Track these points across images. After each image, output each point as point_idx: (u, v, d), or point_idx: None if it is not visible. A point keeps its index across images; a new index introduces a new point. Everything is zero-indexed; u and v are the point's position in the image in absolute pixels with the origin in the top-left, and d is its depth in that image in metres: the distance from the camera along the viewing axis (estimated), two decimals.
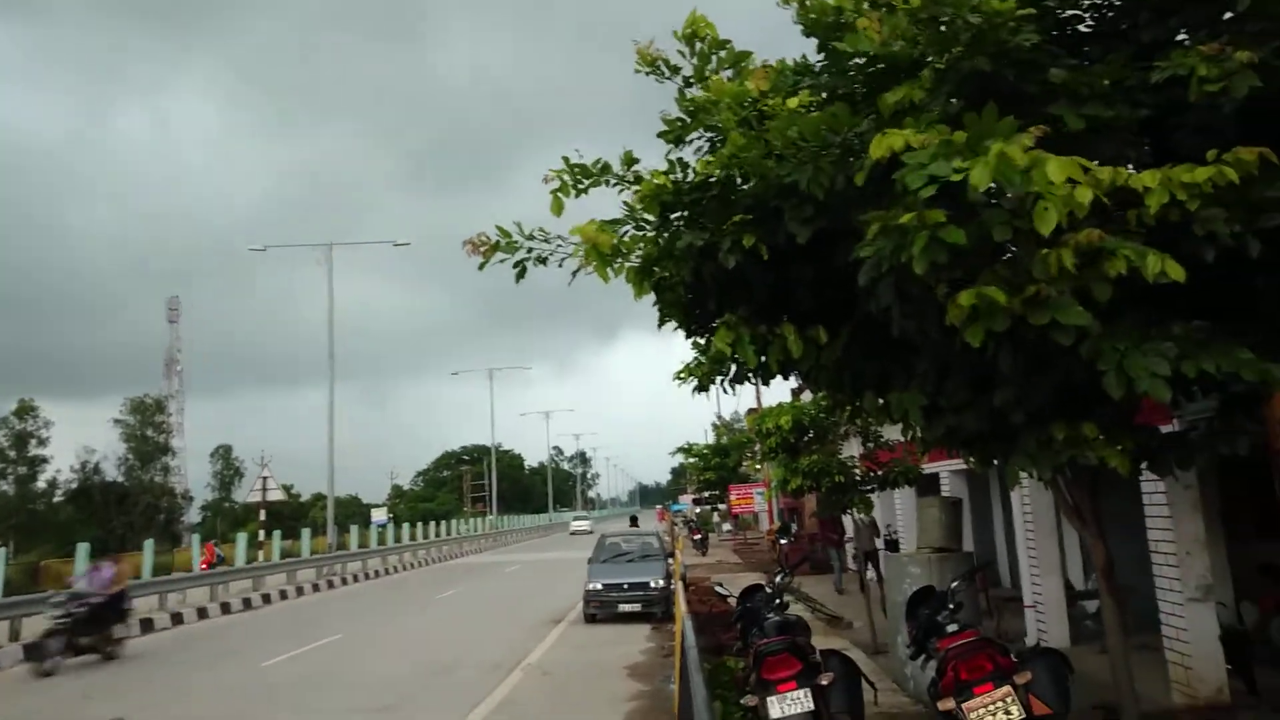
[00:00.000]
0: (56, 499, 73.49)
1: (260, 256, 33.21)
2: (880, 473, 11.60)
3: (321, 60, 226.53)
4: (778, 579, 7.44)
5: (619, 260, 5.32)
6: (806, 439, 11.44)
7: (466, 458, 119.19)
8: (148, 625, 17.97)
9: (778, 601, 6.95)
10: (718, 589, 9.04)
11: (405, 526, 43.36)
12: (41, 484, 72.04)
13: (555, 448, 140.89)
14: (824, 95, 4.89)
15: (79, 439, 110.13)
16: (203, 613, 20.06)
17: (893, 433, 11.23)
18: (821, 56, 5.06)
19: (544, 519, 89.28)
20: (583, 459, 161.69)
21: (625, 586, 15.30)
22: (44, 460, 71.85)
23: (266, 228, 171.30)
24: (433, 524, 47.68)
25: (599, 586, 15.35)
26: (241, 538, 26.11)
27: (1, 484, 70.37)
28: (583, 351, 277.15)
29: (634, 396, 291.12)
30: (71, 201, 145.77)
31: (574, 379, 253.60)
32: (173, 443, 74.75)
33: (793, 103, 4.65)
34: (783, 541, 23.93)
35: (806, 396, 17.72)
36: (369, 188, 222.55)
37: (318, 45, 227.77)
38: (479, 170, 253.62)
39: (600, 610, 15.29)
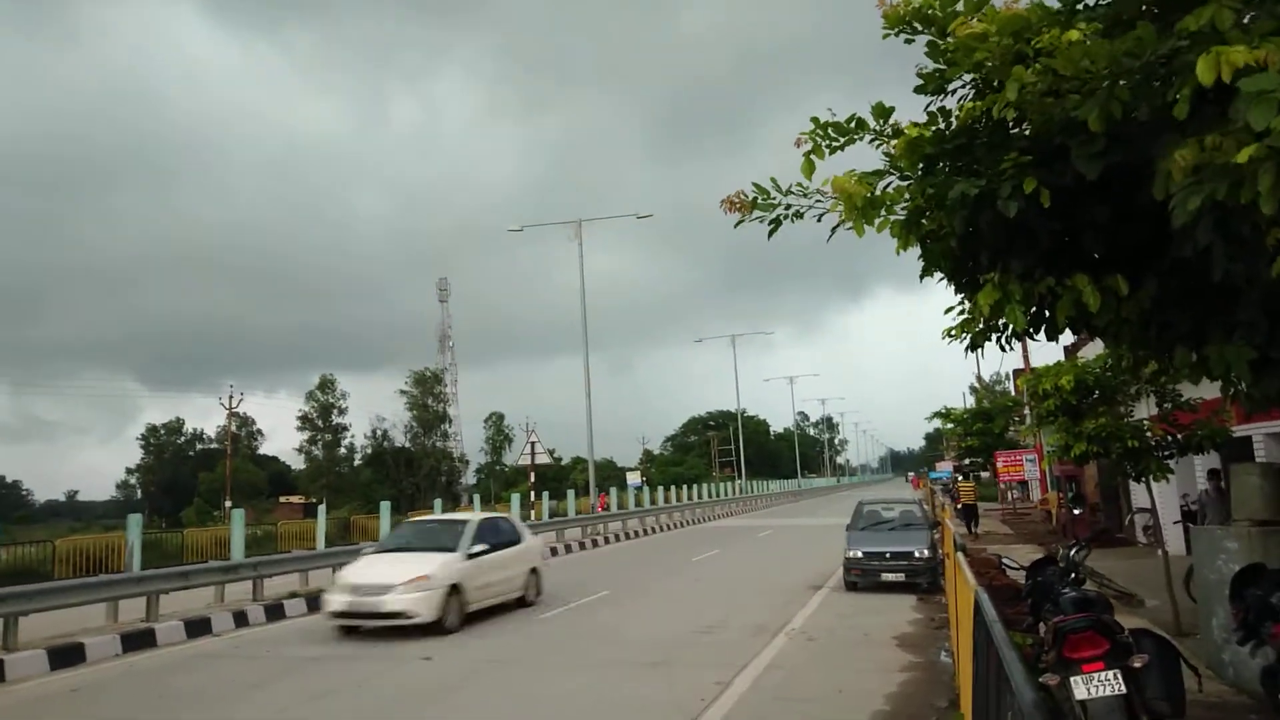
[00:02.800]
0: (356, 462, 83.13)
1: (517, 233, 35.41)
2: (1180, 437, 10.39)
3: (572, 30, 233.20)
4: (1071, 552, 6.87)
5: (880, 213, 5.13)
6: (1091, 400, 10.45)
7: (712, 423, 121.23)
8: None
9: (1072, 576, 6.42)
10: (1004, 561, 8.53)
11: (660, 490, 44.90)
12: (342, 450, 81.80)
13: (800, 413, 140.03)
14: (1100, 26, 4.37)
15: (369, 408, 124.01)
16: None
17: (1193, 392, 10.01)
18: None
19: (793, 484, 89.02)
20: (829, 424, 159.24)
21: (888, 555, 14.88)
22: (344, 428, 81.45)
23: (523, 203, 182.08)
24: (684, 487, 49.02)
25: (859, 554, 15.05)
26: (514, 498, 28.21)
27: (313, 449, 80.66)
28: (827, 312, 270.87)
29: (883, 358, 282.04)
30: (355, 190, 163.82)
31: (819, 341, 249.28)
32: (449, 411, 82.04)
33: (1072, 34, 4.19)
34: (1076, 511, 22.21)
35: (1086, 353, 16.23)
36: (615, 156, 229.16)
37: (570, 15, 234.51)
38: (721, 133, 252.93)
39: (861, 579, 15.00)
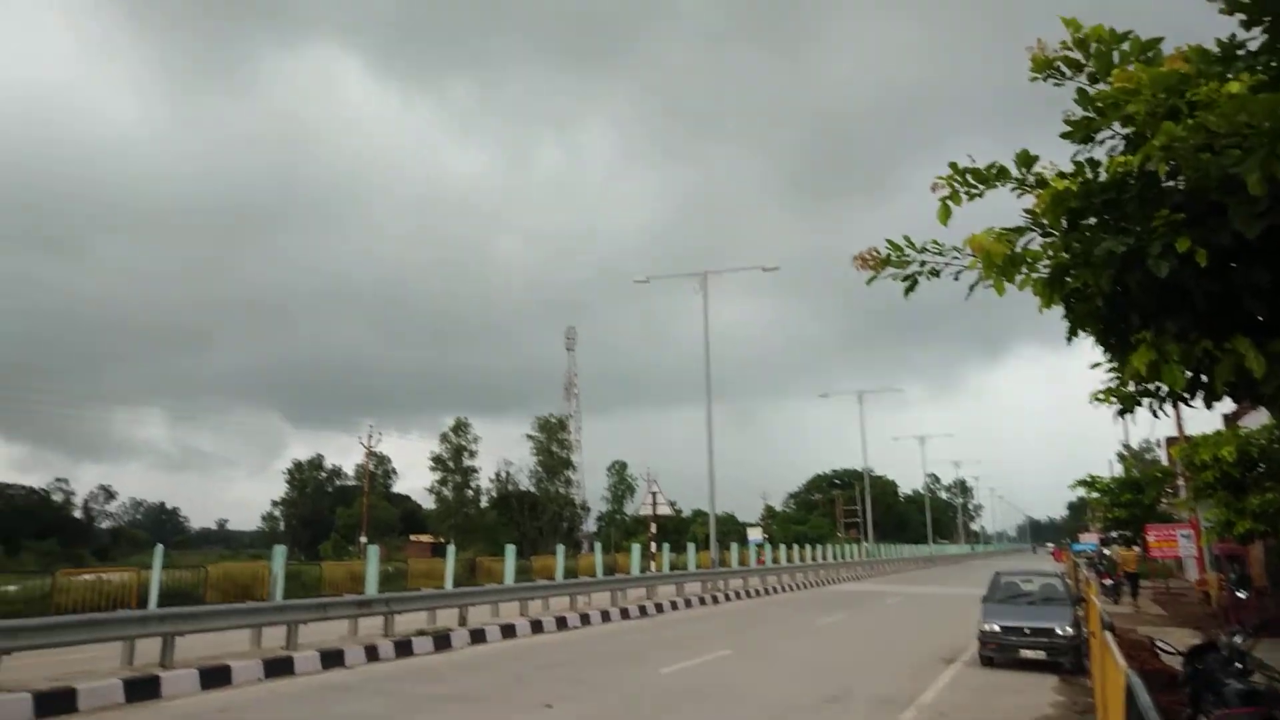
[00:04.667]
0: (482, 504, 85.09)
1: (643, 284, 35.93)
2: None
3: (711, 76, 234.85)
4: (1235, 639, 6.32)
5: (1020, 271, 4.99)
6: (1255, 474, 9.69)
7: (838, 481, 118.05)
8: (561, 623, 20.03)
9: (1237, 666, 5.90)
10: (1158, 645, 7.93)
11: (781, 548, 43.99)
12: (470, 491, 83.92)
13: (931, 475, 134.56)
14: (1265, 78, 4.17)
15: (495, 451, 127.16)
16: (606, 616, 21.95)
17: None
18: (1260, 32, 4.34)
19: (924, 550, 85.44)
20: (963, 488, 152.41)
21: (1027, 631, 14.06)
22: (474, 470, 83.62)
23: (654, 250, 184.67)
24: (808, 547, 47.85)
25: (996, 628, 14.27)
26: (635, 548, 28.24)
27: (444, 490, 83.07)
28: (964, 369, 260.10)
29: (1023, 420, 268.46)
30: (495, 236, 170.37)
31: (953, 400, 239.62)
32: (573, 458, 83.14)
33: (1233, 86, 4.00)
34: (1240, 595, 20.38)
35: (1248, 421, 15.06)
36: (746, 203, 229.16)
37: (710, 61, 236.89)
38: (856, 181, 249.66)
39: (998, 654, 14.21)
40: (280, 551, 16.19)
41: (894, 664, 14.66)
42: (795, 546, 46.26)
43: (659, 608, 24.64)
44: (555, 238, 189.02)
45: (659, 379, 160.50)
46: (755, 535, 46.62)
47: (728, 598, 29.80)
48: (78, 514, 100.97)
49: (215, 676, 11.94)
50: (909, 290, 5.48)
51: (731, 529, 70.34)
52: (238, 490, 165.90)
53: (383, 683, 12.40)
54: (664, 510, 33.80)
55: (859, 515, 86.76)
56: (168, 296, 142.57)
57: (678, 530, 71.28)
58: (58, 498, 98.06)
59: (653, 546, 31.00)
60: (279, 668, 12.91)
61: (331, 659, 13.81)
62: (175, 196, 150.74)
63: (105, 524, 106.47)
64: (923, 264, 5.33)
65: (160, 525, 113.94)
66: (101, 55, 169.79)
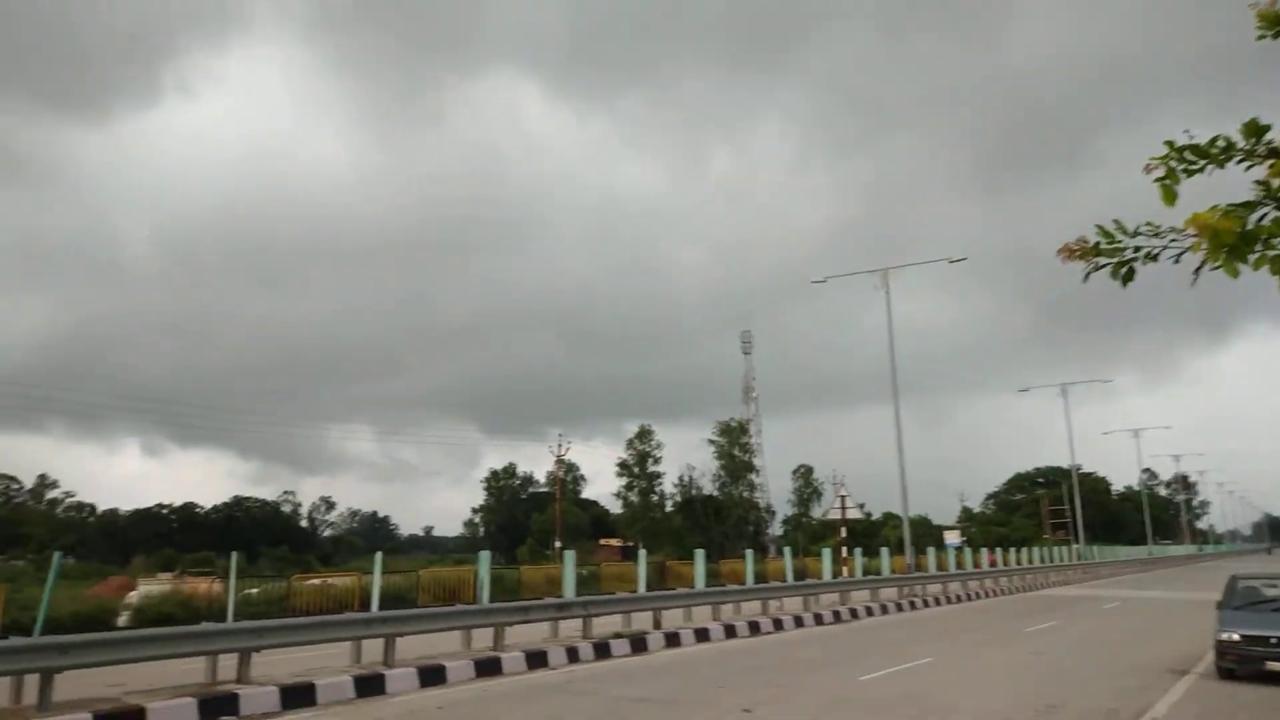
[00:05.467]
0: (667, 509, 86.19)
1: (821, 284, 35.26)
2: None
3: (889, 65, 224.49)
4: None
5: (1255, 249, 4.52)
6: None
7: (1041, 480, 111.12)
8: (754, 628, 19.96)
9: None
10: None
11: (982, 551, 41.86)
12: (654, 496, 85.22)
13: (1147, 470, 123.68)
14: None
15: (676, 457, 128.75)
16: (799, 621, 21.67)
17: None
18: None
19: (1142, 551, 78.81)
20: (1185, 484, 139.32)
21: (1274, 640, 12.66)
22: (658, 475, 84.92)
23: (829, 250, 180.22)
24: (1011, 550, 45.29)
25: (1236, 637, 12.94)
26: (826, 553, 27.71)
27: (630, 495, 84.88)
28: (1182, 354, 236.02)
29: (1257, 408, 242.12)
30: (672, 244, 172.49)
31: (1168, 389, 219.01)
32: (755, 461, 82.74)
33: None
34: None
35: None
36: (928, 194, 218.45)
37: (884, 51, 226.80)
38: (1047, 163, 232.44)
39: (1240, 665, 12.87)
40: (485, 557, 17.08)
41: (1115, 674, 13.59)
42: (998, 549, 43.88)
43: (853, 613, 24.06)
44: (730, 242, 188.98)
45: (841, 379, 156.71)
46: (953, 538, 44.54)
47: (925, 604, 28.66)
48: (303, 523, 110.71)
49: (432, 675, 12.74)
50: (1126, 280, 5.08)
51: (926, 532, 67.71)
52: (441, 498, 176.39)
53: (586, 684, 12.80)
54: (853, 514, 32.96)
55: (1067, 515, 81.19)
56: (374, 322, 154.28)
57: (868, 534, 69.33)
58: (286, 508, 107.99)
59: (843, 551, 30.31)
60: (488, 667, 13.60)
61: (536, 659, 14.41)
62: (379, 230, 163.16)
63: (327, 532, 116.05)
64: (1137, 249, 4.95)
65: (374, 532, 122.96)
66: (312, 105, 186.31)
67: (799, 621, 21.62)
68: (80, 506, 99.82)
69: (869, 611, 24.92)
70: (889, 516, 78.13)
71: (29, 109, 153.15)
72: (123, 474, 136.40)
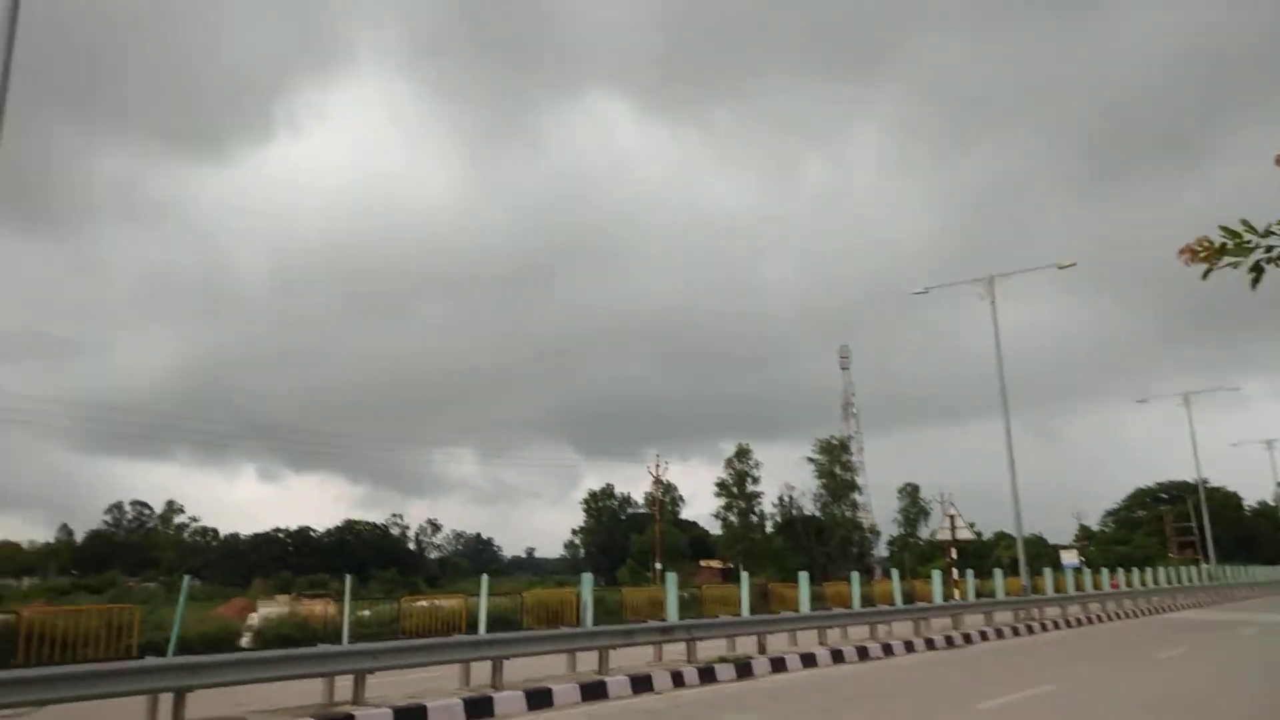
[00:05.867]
0: (767, 529, 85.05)
1: (922, 295, 34.38)
2: None
3: (985, 66, 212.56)
4: None
5: None
6: None
7: (1164, 495, 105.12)
8: (862, 653, 19.43)
9: None
10: None
11: (1103, 571, 39.85)
12: (753, 517, 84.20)
13: None
14: None
15: (773, 476, 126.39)
16: (909, 645, 20.99)
17: None
18: None
19: None
20: None
21: None
22: (757, 495, 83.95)
23: (928, 260, 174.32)
24: (1134, 570, 42.95)
25: None
26: (935, 575, 26.83)
27: (730, 515, 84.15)
28: None
29: None
30: (764, 259, 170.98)
31: None
32: (857, 480, 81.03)
33: None
34: None
35: None
36: (1034, 196, 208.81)
37: (982, 51, 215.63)
38: (1161, 158, 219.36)
39: None
40: (588, 580, 17.15)
41: (1263, 707, 12.65)
42: (1119, 570, 41.67)
43: (966, 638, 23.17)
44: (824, 254, 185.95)
45: (944, 393, 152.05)
46: (1070, 558, 42.50)
47: (1044, 627, 27.39)
48: (411, 545, 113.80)
49: (539, 698, 12.81)
50: (1255, 282, 4.76)
51: (1041, 551, 64.90)
52: (541, 520, 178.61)
53: (692, 709, 12.65)
54: (964, 534, 31.84)
55: (1194, 533, 76.61)
56: (476, 347, 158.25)
57: (979, 555, 66.90)
58: (395, 531, 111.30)
59: (954, 572, 29.29)
60: (594, 691, 13.59)
61: (641, 683, 14.33)
62: (479, 254, 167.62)
63: (433, 554, 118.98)
64: (1269, 249, 4.63)
65: (478, 554, 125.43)
66: (413, 134, 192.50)
67: (909, 646, 20.94)
68: (204, 531, 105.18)
69: (983, 636, 23.97)
70: (1001, 536, 75.37)
71: (154, 151, 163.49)
72: (241, 499, 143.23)
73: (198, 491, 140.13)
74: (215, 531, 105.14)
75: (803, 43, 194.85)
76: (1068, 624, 28.94)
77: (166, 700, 10.16)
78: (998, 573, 30.99)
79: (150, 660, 10.44)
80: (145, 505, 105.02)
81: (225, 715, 10.77)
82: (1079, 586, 35.33)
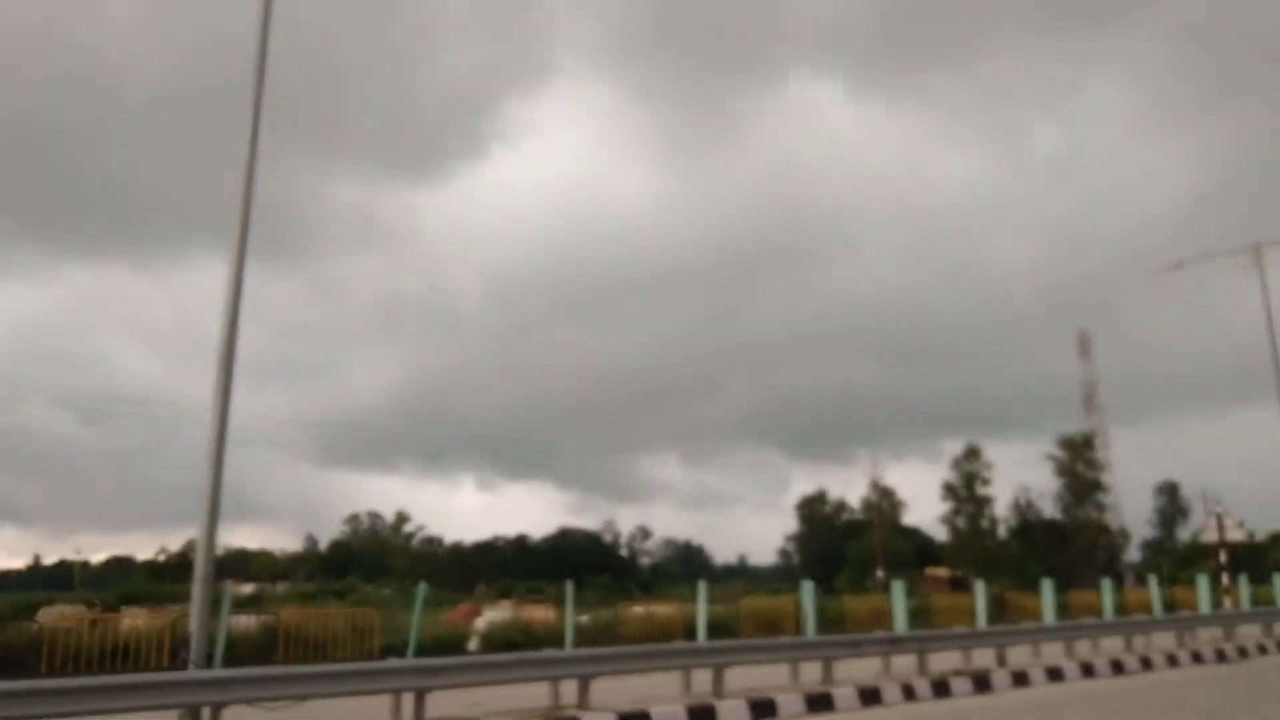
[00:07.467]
0: (1000, 534, 79.80)
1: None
2: None
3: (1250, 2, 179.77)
4: None
5: None
6: None
7: None
8: (1116, 668, 17.64)
9: None
10: None
11: None
12: (984, 521, 79.28)
13: None
14: None
15: (1002, 476, 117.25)
16: (1171, 659, 18.81)
17: None
18: None
19: None
20: None
21: None
22: (988, 499, 79.06)
23: (1181, 229, 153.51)
24: None
25: None
26: (1201, 580, 23.97)
27: (958, 520, 79.76)
28: None
29: None
30: (991, 237, 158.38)
31: None
32: (1103, 478, 74.33)
33: None
34: None
35: None
36: None
37: None
38: None
39: None
40: (808, 588, 16.67)
41: None
42: None
43: (1241, 651, 20.44)
44: (1060, 227, 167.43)
45: (1202, 378, 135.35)
46: None
47: None
48: (623, 551, 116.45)
49: (762, 708, 12.46)
50: None
51: None
52: (749, 525, 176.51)
53: None
54: (1234, 534, 28.26)
55: None
56: (679, 350, 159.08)
57: (1253, 557, 59.43)
58: (607, 538, 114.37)
59: (1223, 578, 26.03)
60: (819, 703, 13.07)
61: (869, 696, 13.64)
62: (684, 255, 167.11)
63: (644, 560, 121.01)
64: None
65: (689, 561, 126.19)
66: (616, 139, 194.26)
67: (1173, 661, 18.73)
68: (431, 539, 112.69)
69: (1262, 650, 21.09)
70: (1276, 536, 66.68)
71: (381, 176, 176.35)
72: (460, 508, 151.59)
73: (424, 501, 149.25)
74: (440, 539, 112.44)
75: None
76: None
77: (408, 699, 10.73)
78: (1277, 578, 27.22)
79: (394, 661, 11.13)
80: (378, 516, 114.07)
81: (461, 715, 11.22)
82: None
